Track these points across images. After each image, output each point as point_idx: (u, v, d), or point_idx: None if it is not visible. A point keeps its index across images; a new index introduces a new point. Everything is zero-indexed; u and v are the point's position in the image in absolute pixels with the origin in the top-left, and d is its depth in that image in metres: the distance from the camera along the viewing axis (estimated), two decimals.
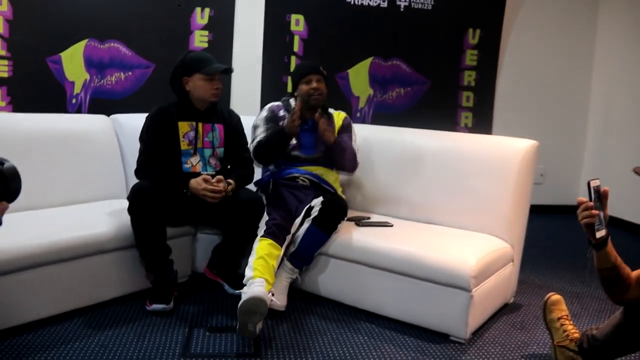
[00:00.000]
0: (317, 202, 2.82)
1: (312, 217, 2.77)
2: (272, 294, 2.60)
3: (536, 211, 3.52)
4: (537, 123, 5.19)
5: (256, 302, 2.34)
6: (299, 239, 2.76)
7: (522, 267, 3.09)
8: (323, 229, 2.75)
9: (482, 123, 4.92)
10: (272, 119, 3.10)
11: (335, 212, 2.80)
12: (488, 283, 2.58)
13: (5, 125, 2.92)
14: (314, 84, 3.03)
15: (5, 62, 4.02)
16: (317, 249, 2.79)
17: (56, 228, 2.54)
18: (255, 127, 3.12)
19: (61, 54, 4.17)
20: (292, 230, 2.79)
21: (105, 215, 2.80)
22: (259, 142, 3.01)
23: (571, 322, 2.28)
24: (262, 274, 2.54)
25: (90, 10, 4.17)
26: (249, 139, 3.07)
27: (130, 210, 2.61)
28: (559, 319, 2.29)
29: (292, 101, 3.15)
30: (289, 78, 4.41)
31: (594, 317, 2.88)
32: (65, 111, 4.15)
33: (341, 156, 3.03)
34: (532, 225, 3.13)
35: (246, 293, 2.41)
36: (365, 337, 2.52)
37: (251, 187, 3.03)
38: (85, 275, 2.58)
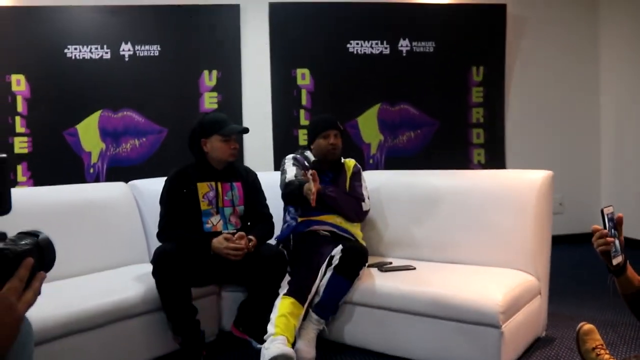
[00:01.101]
0: (337, 251, 2.83)
1: (333, 265, 2.78)
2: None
3: (560, 241, 3.49)
4: (550, 153, 5.20)
5: (286, 359, 2.34)
6: (322, 289, 2.76)
7: (551, 299, 3.04)
8: (345, 276, 2.75)
9: (495, 158, 4.94)
10: (297, 162, 3.16)
11: (356, 258, 2.80)
12: (517, 318, 2.55)
13: (28, 199, 2.99)
14: (332, 140, 3.10)
15: (25, 138, 4.14)
16: (342, 297, 2.79)
17: (83, 296, 2.57)
18: (283, 172, 3.14)
19: (77, 126, 4.30)
20: (317, 282, 2.79)
21: (129, 280, 2.82)
22: (288, 184, 3.01)
23: (607, 352, 2.24)
24: (283, 332, 2.54)
25: (102, 82, 4.31)
26: (265, 192, 3.12)
27: (154, 273, 2.64)
28: (594, 349, 2.25)
29: (307, 153, 3.22)
30: (300, 131, 4.49)
31: (631, 346, 2.82)
32: (84, 181, 4.25)
33: (337, 207, 3.03)
34: (556, 256, 3.10)
35: (269, 349, 2.42)
36: None
37: (272, 242, 3.05)
38: (114, 342, 2.58)
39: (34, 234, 1.13)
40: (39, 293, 1.05)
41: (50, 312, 2.34)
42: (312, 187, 2.73)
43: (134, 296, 2.67)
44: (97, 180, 4.30)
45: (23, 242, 1.08)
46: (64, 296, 2.54)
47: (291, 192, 2.97)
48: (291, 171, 3.10)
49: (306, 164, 3.17)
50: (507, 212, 2.94)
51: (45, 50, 4.23)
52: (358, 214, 3.13)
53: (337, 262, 2.77)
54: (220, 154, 2.90)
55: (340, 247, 2.83)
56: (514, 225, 2.90)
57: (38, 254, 1.09)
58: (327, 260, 2.85)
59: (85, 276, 2.96)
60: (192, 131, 2.92)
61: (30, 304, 1.02)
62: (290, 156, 3.23)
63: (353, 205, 3.10)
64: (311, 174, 2.78)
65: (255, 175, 3.11)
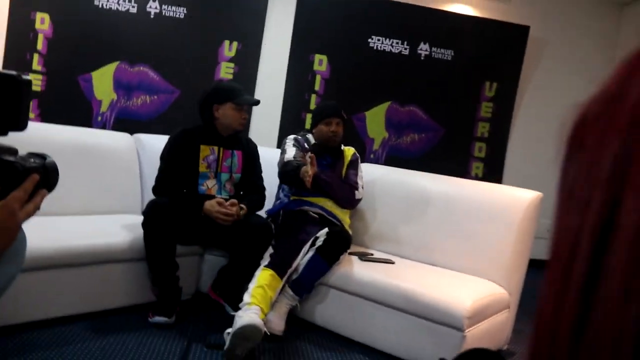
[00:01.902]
0: (322, 233, 2.91)
1: (316, 246, 2.87)
2: (264, 325, 2.65)
3: (542, 266, 3.56)
4: (549, 177, 5.19)
5: (254, 329, 2.42)
6: (301, 267, 2.85)
7: (519, 317, 3.13)
8: (325, 259, 2.84)
9: (493, 174, 5.01)
10: (297, 143, 3.24)
11: (339, 243, 2.89)
12: (482, 326, 2.64)
13: (36, 134, 3.05)
14: (333, 127, 3.19)
15: (40, 77, 4.21)
16: (319, 278, 2.88)
17: (72, 234, 2.67)
18: (283, 151, 3.22)
19: (92, 73, 4.36)
20: (298, 259, 2.88)
21: (119, 227, 2.91)
22: (286, 164, 3.08)
23: None
24: (259, 302, 2.62)
25: (125, 34, 4.37)
26: (264, 167, 3.20)
27: (144, 224, 2.73)
28: None
29: (309, 136, 3.30)
30: (308, 115, 4.56)
31: None
32: (90, 127, 4.32)
33: (331, 191, 3.11)
34: (534, 278, 3.18)
35: (242, 318, 2.48)
36: None
37: (262, 214, 3.14)
38: (94, 282, 2.68)
39: (42, 156, 1.23)
40: (38, 208, 1.14)
41: (39, 243, 2.43)
42: (309, 170, 2.81)
43: (121, 242, 2.76)
44: (103, 128, 4.38)
45: (32, 160, 1.17)
46: (54, 231, 2.63)
47: (288, 173, 3.05)
48: (290, 152, 3.18)
49: (306, 145, 3.25)
50: (491, 225, 3.02)
51: None
52: (350, 202, 3.22)
53: (320, 243, 2.86)
54: (230, 122, 2.97)
55: (326, 229, 2.92)
56: (496, 238, 2.99)
57: (43, 174, 1.18)
58: (311, 240, 2.94)
59: (78, 216, 3.04)
60: (205, 95, 2.99)
61: (30, 215, 1.12)
62: (292, 136, 3.31)
63: (346, 192, 3.19)
64: (309, 157, 2.86)
65: (256, 147, 3.20)
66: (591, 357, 0.27)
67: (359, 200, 3.24)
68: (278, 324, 2.78)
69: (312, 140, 3.29)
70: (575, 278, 0.29)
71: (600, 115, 0.31)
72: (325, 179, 3.09)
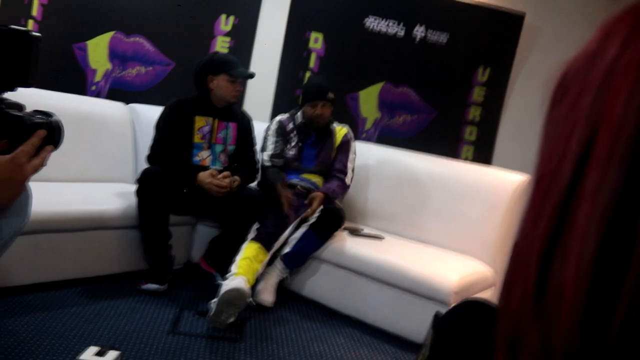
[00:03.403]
0: (316, 213, 2.95)
1: (310, 222, 2.90)
2: (250, 295, 2.68)
3: None
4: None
5: (238, 294, 2.47)
6: (294, 241, 2.89)
7: None
8: (319, 235, 2.89)
9: (483, 157, 5.07)
10: (280, 131, 3.26)
11: (333, 220, 2.93)
12: None
13: (32, 100, 3.04)
14: (319, 110, 3.17)
15: None
16: (311, 252, 2.92)
17: (67, 199, 2.69)
18: (265, 138, 3.26)
19: (87, 42, 4.33)
20: (286, 234, 2.92)
21: (112, 195, 2.93)
22: (266, 168, 3.14)
23: None
24: (245, 273, 2.66)
25: (120, 3, 4.35)
26: (257, 141, 3.23)
27: (138, 192, 2.75)
28: None
29: (298, 115, 3.28)
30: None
31: None
32: (85, 96, 4.30)
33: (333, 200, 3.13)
34: None
35: (227, 285, 2.54)
36: (345, 339, 2.64)
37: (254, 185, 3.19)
38: (88, 248, 2.71)
39: (48, 114, 1.25)
40: (45, 163, 1.17)
41: (34, 207, 2.44)
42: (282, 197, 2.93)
43: (114, 209, 2.79)
44: (97, 98, 4.37)
45: (38, 116, 1.19)
46: (49, 196, 2.65)
47: (267, 182, 3.08)
48: (270, 147, 3.20)
49: (291, 125, 3.27)
50: (479, 206, 3.08)
51: None
52: (343, 194, 3.25)
53: (314, 219, 2.90)
54: (224, 93, 2.99)
55: (320, 208, 2.96)
56: (483, 219, 3.05)
57: (49, 131, 1.21)
58: (298, 220, 2.98)
59: (72, 183, 3.06)
60: (201, 65, 3.01)
61: (37, 169, 1.14)
62: (276, 122, 3.30)
63: (343, 189, 3.20)
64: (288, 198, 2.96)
65: (250, 119, 3.22)
66: (559, 274, 0.31)
67: (348, 186, 3.24)
68: (268, 295, 2.83)
69: (300, 119, 3.27)
70: (553, 197, 0.33)
71: (581, 70, 0.35)
72: (332, 192, 3.07)
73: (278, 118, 3.35)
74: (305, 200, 3.03)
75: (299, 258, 2.93)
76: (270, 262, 2.89)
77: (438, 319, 1.00)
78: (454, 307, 1.01)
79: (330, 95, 3.22)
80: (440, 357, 0.93)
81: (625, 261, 0.29)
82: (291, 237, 2.92)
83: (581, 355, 0.30)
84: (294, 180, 3.15)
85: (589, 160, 0.31)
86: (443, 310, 1.09)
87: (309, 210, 2.95)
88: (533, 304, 0.33)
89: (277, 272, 2.91)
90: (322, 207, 2.95)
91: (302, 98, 3.30)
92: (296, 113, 3.33)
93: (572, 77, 0.36)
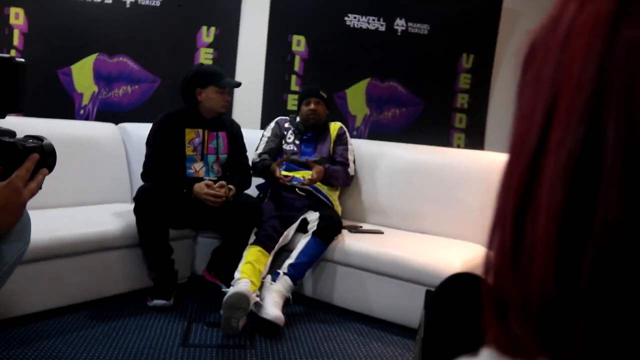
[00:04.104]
0: (313, 218, 2.98)
1: (311, 231, 2.91)
2: (258, 296, 2.68)
3: None
4: None
5: (239, 297, 2.48)
6: (297, 252, 2.86)
7: None
8: (323, 240, 2.88)
9: (475, 144, 5.09)
10: (277, 129, 3.43)
11: (332, 226, 2.94)
12: None
13: (21, 129, 3.06)
14: (312, 106, 3.34)
15: None
16: (315, 260, 2.90)
17: (66, 224, 2.70)
18: (262, 136, 3.42)
19: (72, 66, 4.35)
20: (287, 234, 2.94)
21: (111, 216, 2.95)
22: (255, 163, 3.26)
23: None
24: (248, 277, 2.68)
25: (101, 25, 4.36)
26: (248, 148, 3.27)
27: (136, 210, 2.76)
28: None
29: (297, 117, 3.47)
30: (289, 96, 4.61)
31: None
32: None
33: (335, 182, 3.29)
34: None
35: (229, 290, 2.57)
36: (355, 335, 2.66)
37: (252, 189, 3.21)
38: (91, 271, 2.72)
39: (39, 138, 1.27)
40: (40, 186, 1.19)
41: (33, 235, 2.44)
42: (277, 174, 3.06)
43: (114, 230, 2.80)
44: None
45: (30, 141, 1.21)
46: (47, 222, 2.65)
47: (257, 170, 3.23)
48: (261, 147, 3.36)
49: (286, 125, 3.45)
50: (475, 190, 3.10)
51: None
52: (347, 182, 3.39)
53: (314, 228, 2.91)
54: (213, 105, 3.01)
55: (317, 214, 2.99)
56: (479, 203, 3.06)
57: (42, 154, 1.22)
58: (299, 220, 3.00)
59: (69, 208, 3.07)
60: (187, 78, 3.03)
61: (34, 193, 1.16)
62: (273, 122, 3.49)
63: (345, 176, 3.34)
64: (282, 158, 3.16)
65: (239, 127, 3.25)
66: (531, 225, 0.34)
67: (353, 176, 3.41)
68: (279, 315, 2.73)
69: (297, 120, 3.45)
70: (524, 155, 0.36)
71: (545, 34, 0.38)
72: (332, 170, 3.25)
73: (277, 119, 3.52)
74: (304, 201, 3.07)
75: (304, 268, 2.89)
76: (274, 279, 2.85)
77: (428, 298, 1.01)
78: (441, 285, 1.02)
79: (322, 94, 3.42)
80: (435, 334, 0.95)
81: (591, 207, 0.30)
82: (294, 250, 2.90)
83: (556, 301, 0.32)
84: (294, 182, 3.17)
85: (553, 118, 0.33)
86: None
87: (306, 179, 3.08)
88: (511, 256, 0.35)
89: (282, 289, 2.76)
90: (319, 214, 2.97)
91: (297, 102, 3.52)
92: (295, 116, 3.50)
93: (538, 43, 0.38)
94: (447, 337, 1.02)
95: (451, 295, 0.96)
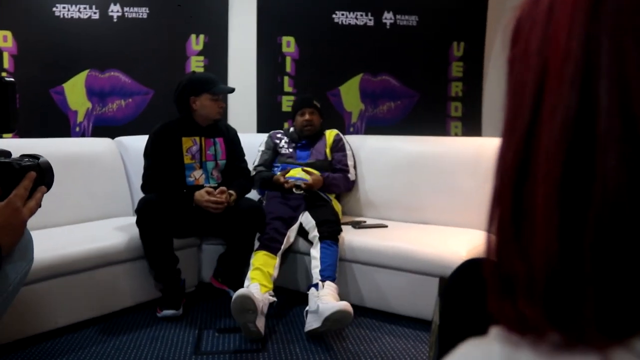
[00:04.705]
0: (311, 226, 2.95)
1: (316, 239, 2.88)
2: (272, 295, 2.67)
3: None
4: None
5: (241, 299, 2.45)
6: (318, 260, 2.81)
7: None
8: (332, 240, 2.86)
9: (472, 131, 5.08)
10: (270, 142, 3.49)
11: (333, 227, 2.92)
12: None
13: (18, 149, 3.06)
14: (307, 117, 3.41)
15: None
16: (337, 256, 2.83)
17: (69, 241, 2.70)
18: (258, 151, 3.47)
19: (64, 85, 4.35)
20: (290, 234, 2.94)
21: (114, 230, 2.95)
22: (253, 176, 3.29)
23: None
24: (258, 281, 2.67)
25: (90, 42, 4.36)
26: (245, 152, 3.27)
27: (138, 222, 2.76)
28: None
29: (292, 129, 3.53)
30: (283, 98, 4.61)
31: None
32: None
33: (336, 189, 3.33)
34: None
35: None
36: (367, 331, 2.66)
37: (253, 193, 3.22)
38: (98, 286, 2.72)
39: (35, 157, 1.27)
40: (39, 204, 1.18)
41: (38, 254, 2.43)
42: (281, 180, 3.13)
43: (118, 244, 2.79)
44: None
45: (26, 160, 1.21)
46: (50, 241, 2.65)
47: (257, 183, 3.30)
48: (257, 160, 3.42)
49: (280, 135, 3.53)
50: (475, 177, 3.09)
51: (33, 8, 4.27)
52: (348, 188, 3.44)
53: (317, 235, 2.87)
54: (208, 112, 3.02)
55: (313, 222, 2.95)
56: (481, 189, 3.05)
57: (39, 172, 1.22)
58: (298, 222, 3.00)
59: (71, 226, 3.07)
60: (181, 87, 3.02)
61: (33, 211, 1.16)
62: (267, 136, 3.56)
63: (346, 183, 3.38)
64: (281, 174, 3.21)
65: (235, 131, 3.25)
66: (531, 197, 0.33)
67: (354, 181, 3.45)
68: (341, 303, 2.56)
69: (292, 130, 3.52)
70: (519, 128, 0.36)
71: (530, 8, 0.38)
72: (332, 178, 3.29)
73: (270, 133, 3.58)
74: (302, 198, 3.08)
75: (333, 267, 2.83)
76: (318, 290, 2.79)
77: (442, 285, 1.01)
78: (455, 271, 1.02)
79: (316, 103, 3.48)
80: (451, 321, 0.94)
81: (589, 173, 0.30)
82: (312, 262, 2.84)
83: (561, 273, 0.31)
84: (292, 180, 3.16)
85: (544, 88, 0.33)
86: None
87: (302, 184, 3.12)
88: (512, 232, 0.35)
89: (330, 291, 2.65)
90: (314, 221, 2.95)
91: (292, 112, 3.59)
92: (289, 128, 3.57)
93: (524, 17, 0.38)
94: (463, 323, 1.02)
95: (465, 281, 0.96)
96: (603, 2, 0.32)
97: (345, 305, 2.45)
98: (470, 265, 1.00)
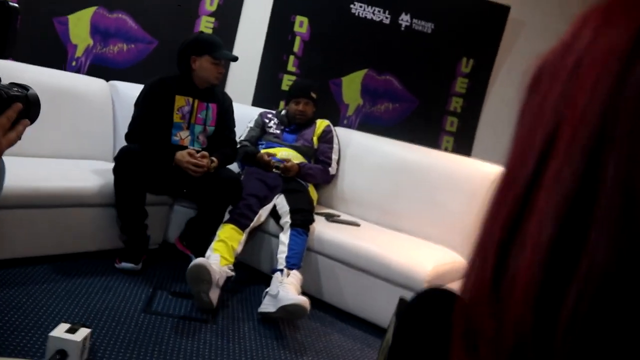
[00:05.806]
0: (284, 211, 2.96)
1: (288, 225, 2.88)
2: (232, 270, 2.66)
3: None
4: None
5: (197, 268, 2.45)
6: (287, 245, 2.82)
7: None
8: (303, 229, 2.86)
9: (463, 149, 5.10)
10: (260, 120, 3.51)
11: (306, 217, 2.93)
12: None
13: (9, 73, 2.99)
14: (301, 107, 3.43)
15: None
16: (305, 245, 2.85)
17: (43, 175, 2.66)
18: (247, 127, 3.47)
19: (69, 16, 4.27)
20: (262, 213, 2.94)
21: (90, 172, 2.91)
22: (238, 149, 3.26)
23: None
24: (220, 253, 2.67)
25: None
26: (237, 123, 3.24)
27: (115, 170, 2.73)
28: None
29: (283, 112, 3.54)
30: (285, 76, 4.58)
31: None
32: (64, 71, 4.24)
33: (312, 180, 3.32)
34: None
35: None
36: (318, 324, 2.67)
37: (234, 165, 3.20)
38: (63, 225, 2.69)
39: (25, 87, 1.24)
40: (20, 137, 1.16)
41: (9, 182, 2.40)
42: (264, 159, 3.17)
43: (91, 187, 2.77)
44: (77, 73, 4.31)
45: (15, 89, 1.18)
46: (24, 171, 2.62)
47: (240, 155, 3.29)
48: (244, 135, 3.42)
49: (271, 116, 3.54)
50: (457, 196, 3.10)
51: None
52: (326, 180, 3.44)
53: (290, 222, 2.88)
54: (206, 75, 2.98)
55: (287, 208, 2.95)
56: (460, 209, 3.07)
57: (26, 104, 1.19)
58: (272, 203, 3.00)
59: (49, 159, 3.03)
60: (185, 45, 2.99)
61: (12, 143, 1.13)
62: (258, 114, 3.57)
63: (324, 175, 3.40)
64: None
65: (231, 101, 3.22)
66: (516, 260, 0.32)
67: (333, 175, 3.46)
68: (299, 297, 2.57)
69: (283, 114, 3.53)
70: (516, 186, 0.34)
71: (554, 62, 0.36)
72: (308, 168, 3.30)
73: (261, 111, 3.58)
74: (279, 179, 3.10)
75: (299, 255, 2.83)
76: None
77: (402, 307, 1.00)
78: (418, 295, 1.02)
79: (313, 94, 3.48)
80: (403, 346, 0.94)
81: (580, 248, 0.29)
82: (280, 246, 2.84)
83: (530, 343, 0.30)
84: (274, 161, 3.16)
85: (553, 149, 0.32)
86: (409, 295, 1.10)
87: (281, 165, 3.15)
88: (489, 289, 0.34)
89: (294, 281, 2.66)
90: (289, 207, 2.95)
91: (287, 95, 3.59)
92: (281, 111, 3.56)
93: (546, 69, 0.37)
94: (415, 354, 1.01)
95: (425, 310, 0.95)
96: (630, 74, 0.31)
97: (304, 301, 2.46)
98: (434, 295, 1.00)
